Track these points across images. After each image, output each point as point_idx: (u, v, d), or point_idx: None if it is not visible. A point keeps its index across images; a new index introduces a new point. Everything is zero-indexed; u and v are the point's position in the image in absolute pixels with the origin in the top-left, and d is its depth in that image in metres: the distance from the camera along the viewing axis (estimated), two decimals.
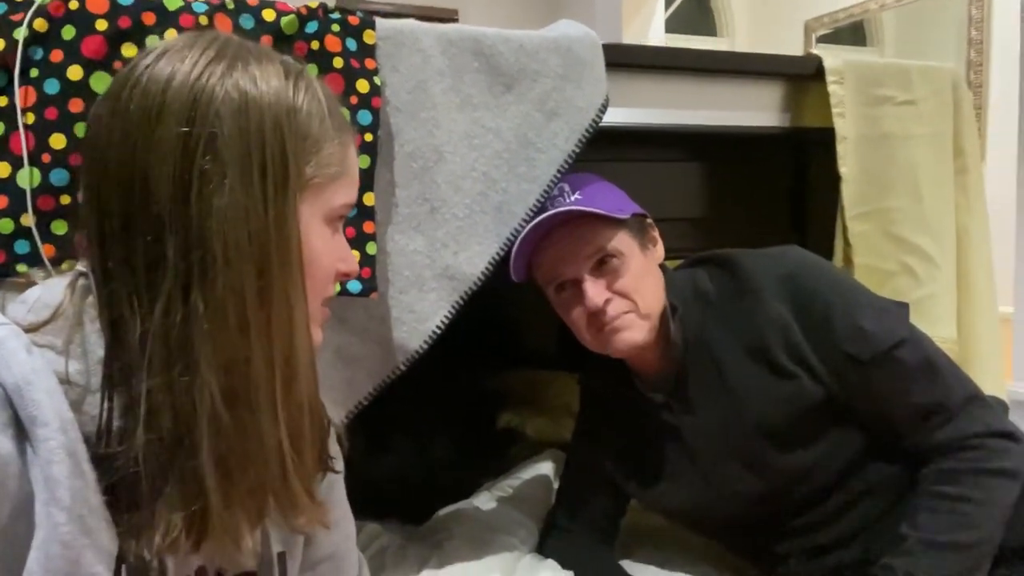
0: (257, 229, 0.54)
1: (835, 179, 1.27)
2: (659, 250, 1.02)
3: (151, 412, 0.52)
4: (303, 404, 0.58)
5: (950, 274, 1.35)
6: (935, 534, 0.87)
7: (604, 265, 0.95)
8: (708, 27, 5.07)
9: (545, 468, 1.45)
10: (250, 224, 0.54)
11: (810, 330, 0.93)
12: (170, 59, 0.55)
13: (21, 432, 0.50)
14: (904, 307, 0.98)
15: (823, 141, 1.27)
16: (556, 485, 1.31)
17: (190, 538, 0.53)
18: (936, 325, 1.27)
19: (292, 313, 0.56)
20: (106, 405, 0.53)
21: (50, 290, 0.56)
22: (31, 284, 0.59)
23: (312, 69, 0.86)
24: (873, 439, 0.96)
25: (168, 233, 0.52)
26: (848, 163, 1.26)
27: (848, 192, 1.27)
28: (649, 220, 1.02)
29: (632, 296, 0.95)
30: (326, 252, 0.62)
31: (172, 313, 0.52)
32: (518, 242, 0.95)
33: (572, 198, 0.97)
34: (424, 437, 1.63)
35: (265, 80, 0.56)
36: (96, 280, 0.55)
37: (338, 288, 0.88)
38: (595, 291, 0.94)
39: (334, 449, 0.71)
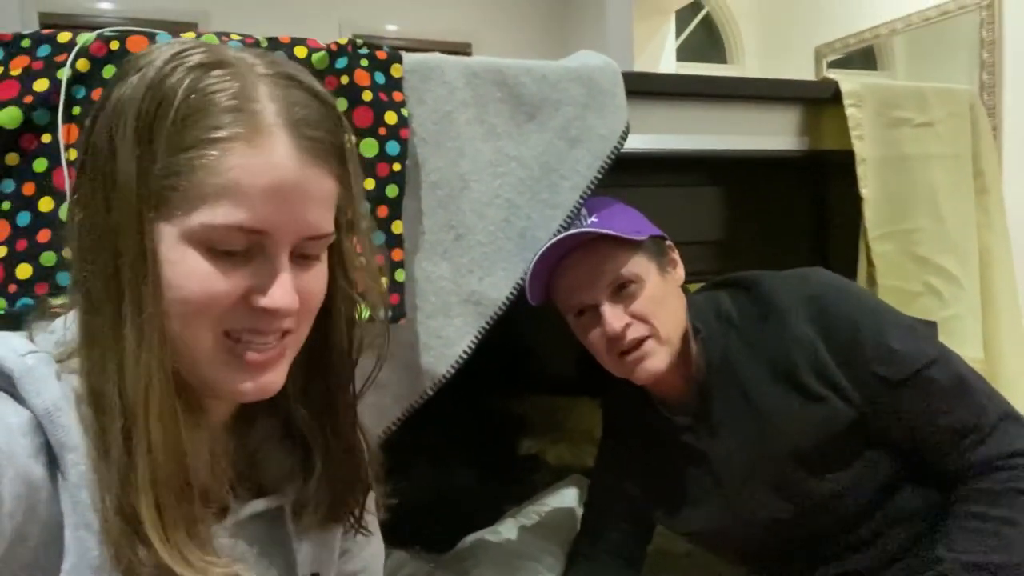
0: (102, 245, 0.52)
1: (855, 201, 1.28)
2: (679, 272, 1.02)
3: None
4: (164, 429, 0.52)
5: (974, 294, 1.34)
6: (972, 556, 0.86)
7: (622, 290, 0.95)
8: (718, 55, 5.12)
9: (570, 494, 1.44)
10: (97, 240, 0.52)
11: (838, 352, 0.93)
12: None
13: (51, 458, 0.51)
14: (932, 326, 0.97)
15: (842, 164, 1.28)
16: (581, 511, 1.30)
17: None
18: (962, 346, 1.27)
19: (127, 345, 0.51)
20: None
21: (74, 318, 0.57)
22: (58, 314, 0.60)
23: (342, 103, 0.88)
24: (905, 462, 0.95)
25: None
26: (869, 184, 1.27)
27: (870, 213, 1.27)
28: (668, 242, 1.02)
29: (651, 320, 0.94)
30: (195, 275, 0.52)
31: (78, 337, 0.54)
32: (532, 264, 0.96)
33: (588, 221, 0.98)
34: (446, 464, 1.63)
35: (131, 83, 0.52)
36: None
37: (367, 314, 0.90)
38: (613, 316, 0.93)
39: (370, 503, 0.71)
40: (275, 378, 0.58)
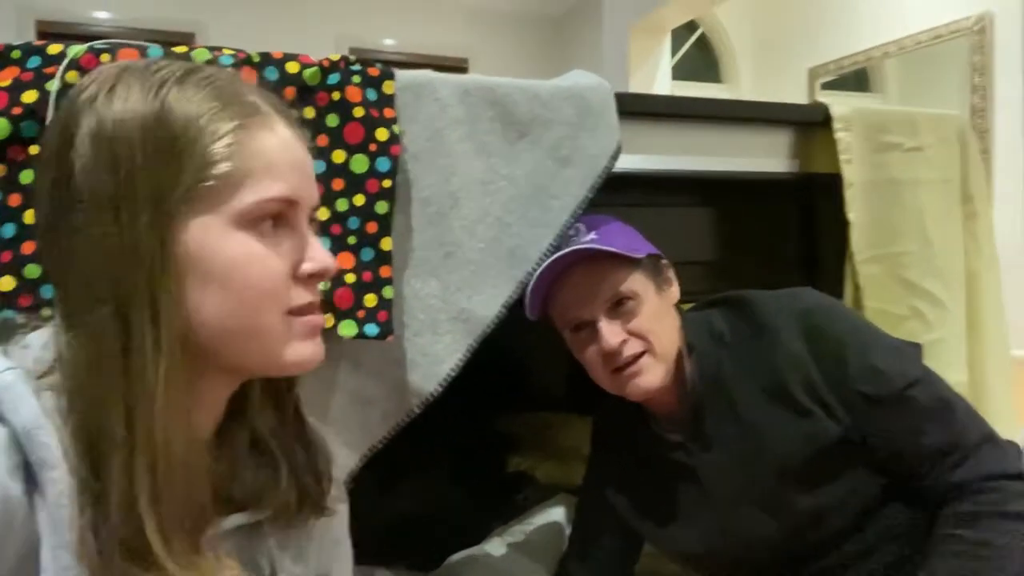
0: (113, 263, 0.52)
1: (844, 224, 1.28)
2: (674, 291, 1.03)
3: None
4: (168, 447, 0.52)
5: (960, 318, 1.35)
6: None
7: (620, 307, 0.95)
8: (713, 75, 5.16)
9: (557, 513, 1.43)
10: (107, 258, 0.52)
11: (825, 368, 0.94)
12: (67, 96, 0.56)
13: (30, 475, 0.50)
14: (917, 347, 0.98)
15: (831, 187, 1.29)
16: (568, 530, 1.30)
17: None
18: (947, 369, 1.27)
19: (147, 351, 0.52)
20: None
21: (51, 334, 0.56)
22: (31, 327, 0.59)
23: (333, 119, 0.89)
24: (891, 481, 0.96)
25: (52, 273, 0.54)
26: (856, 208, 1.28)
27: (856, 237, 1.28)
28: (664, 260, 1.03)
29: (647, 336, 0.95)
30: (256, 259, 0.55)
31: (61, 356, 0.53)
32: (534, 280, 0.96)
33: (587, 237, 0.98)
34: (434, 481, 1.62)
35: (123, 98, 0.53)
36: None
37: (355, 331, 0.90)
38: (610, 332, 0.94)
39: (337, 489, 0.71)
40: (322, 346, 0.62)
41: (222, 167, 0.54)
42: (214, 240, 0.54)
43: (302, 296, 0.59)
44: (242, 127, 0.55)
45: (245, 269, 0.55)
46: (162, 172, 0.52)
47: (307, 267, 0.59)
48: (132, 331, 0.52)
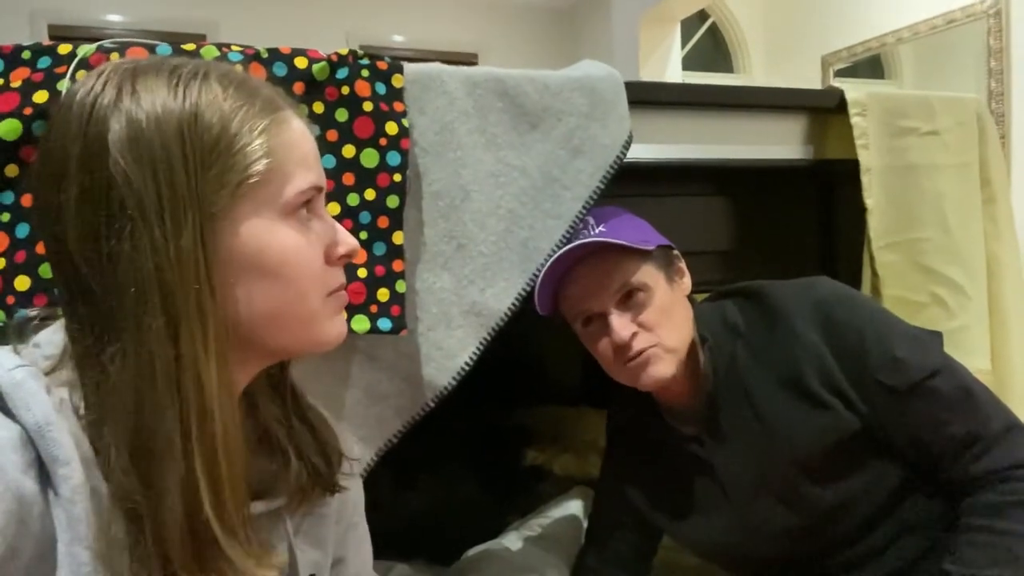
0: (163, 273, 0.51)
1: (861, 210, 1.27)
2: (686, 282, 1.02)
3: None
4: (223, 445, 0.53)
5: (982, 304, 1.33)
6: (979, 569, 0.84)
7: (630, 299, 0.95)
8: (725, 64, 5.11)
9: (574, 506, 1.43)
10: (157, 269, 0.51)
11: (843, 359, 0.92)
12: (75, 98, 0.54)
13: (43, 472, 0.50)
14: (937, 336, 0.96)
15: (848, 173, 1.27)
16: (586, 523, 1.29)
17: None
18: (970, 356, 1.25)
19: (199, 358, 0.52)
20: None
21: (61, 331, 0.56)
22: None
23: (342, 113, 0.89)
24: (912, 472, 0.94)
25: (85, 282, 0.52)
26: (873, 194, 1.26)
27: (874, 223, 1.27)
28: (675, 252, 1.02)
29: (658, 329, 0.94)
30: (302, 247, 0.58)
31: (92, 366, 0.52)
32: (542, 275, 0.95)
33: (596, 230, 0.98)
34: (450, 475, 1.63)
35: (150, 100, 0.52)
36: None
37: (368, 325, 0.90)
38: (621, 325, 0.93)
39: (347, 465, 0.72)
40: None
41: (262, 163, 0.55)
42: (264, 235, 0.55)
43: (337, 277, 0.62)
44: (272, 122, 0.57)
45: (296, 259, 0.57)
46: (207, 174, 0.53)
47: (341, 249, 0.62)
48: (182, 339, 0.51)
